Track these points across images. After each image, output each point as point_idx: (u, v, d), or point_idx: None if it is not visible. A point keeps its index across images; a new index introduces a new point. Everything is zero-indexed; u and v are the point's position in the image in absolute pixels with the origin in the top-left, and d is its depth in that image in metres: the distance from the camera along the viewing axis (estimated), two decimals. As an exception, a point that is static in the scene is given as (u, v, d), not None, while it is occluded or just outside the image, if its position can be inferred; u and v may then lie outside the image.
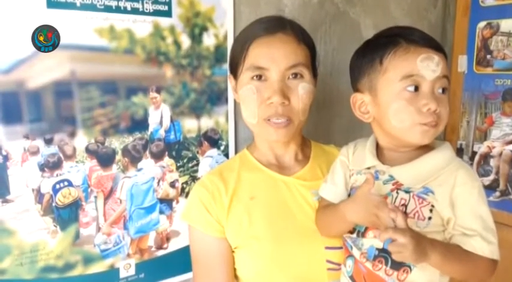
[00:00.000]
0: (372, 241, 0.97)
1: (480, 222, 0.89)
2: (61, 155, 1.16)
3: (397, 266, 0.94)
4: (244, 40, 1.11)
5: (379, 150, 1.06)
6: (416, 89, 0.93)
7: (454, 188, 0.92)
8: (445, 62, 0.95)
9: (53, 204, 1.16)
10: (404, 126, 0.95)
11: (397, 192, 0.96)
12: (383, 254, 0.95)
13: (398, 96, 0.94)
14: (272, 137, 1.10)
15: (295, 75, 1.08)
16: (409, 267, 0.93)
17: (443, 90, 0.95)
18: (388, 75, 0.95)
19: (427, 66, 0.92)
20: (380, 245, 0.94)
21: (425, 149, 0.98)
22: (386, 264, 0.95)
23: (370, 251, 0.97)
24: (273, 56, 1.06)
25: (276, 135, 1.08)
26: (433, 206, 0.92)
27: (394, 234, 0.81)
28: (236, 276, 1.15)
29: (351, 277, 1.02)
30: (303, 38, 1.11)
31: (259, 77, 1.08)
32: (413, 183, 0.95)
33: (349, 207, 0.96)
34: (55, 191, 1.16)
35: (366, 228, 0.99)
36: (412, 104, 0.92)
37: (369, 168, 1.04)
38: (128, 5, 1.19)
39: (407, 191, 0.95)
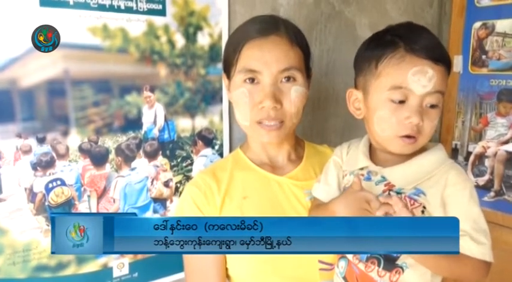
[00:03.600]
0: None
1: (470, 223, 0.89)
2: (54, 154, 1.15)
3: (390, 267, 0.94)
4: (237, 41, 1.10)
5: (372, 151, 1.06)
6: (404, 101, 0.92)
7: (445, 188, 0.92)
8: (441, 76, 0.92)
9: (46, 204, 1.16)
10: (384, 136, 0.96)
11: (389, 194, 0.96)
12: (375, 255, 0.95)
13: (384, 104, 0.94)
14: (264, 138, 1.10)
15: (288, 78, 1.07)
16: (402, 268, 0.93)
17: (433, 105, 0.93)
18: (380, 80, 0.95)
19: (418, 81, 0.90)
20: None
21: (418, 150, 0.98)
22: (378, 266, 0.95)
23: None
24: (265, 59, 1.05)
25: (267, 137, 1.08)
26: (424, 207, 0.92)
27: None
28: (228, 276, 1.15)
29: (344, 278, 1.02)
30: (296, 40, 1.10)
31: (252, 80, 1.07)
32: (405, 184, 0.95)
33: (339, 205, 0.96)
34: (48, 190, 1.16)
35: None
36: (395, 115, 0.93)
37: (361, 168, 1.04)
38: (122, 4, 1.19)
39: (399, 192, 0.95)
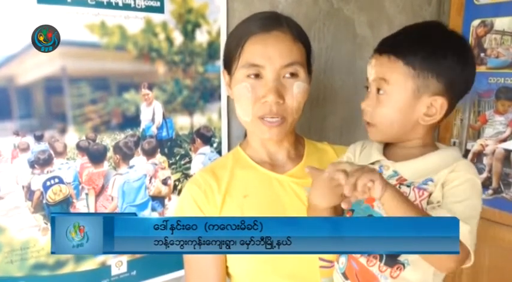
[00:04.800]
0: None
1: (460, 208, 0.88)
2: (52, 152, 1.15)
3: (391, 262, 0.94)
4: (239, 36, 1.10)
5: (386, 148, 1.06)
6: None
7: (451, 172, 0.93)
8: (386, 63, 0.96)
9: (44, 202, 1.15)
10: None
11: (399, 187, 0.96)
12: None
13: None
14: (265, 135, 1.09)
15: (291, 74, 1.07)
16: (403, 264, 0.93)
17: (378, 90, 0.98)
18: None
19: (369, 71, 1.01)
20: None
21: (431, 148, 1.00)
22: (380, 260, 0.95)
23: None
24: (269, 54, 1.05)
25: (269, 133, 1.08)
26: (431, 194, 0.92)
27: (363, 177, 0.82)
28: (228, 274, 1.15)
29: (343, 274, 1.02)
30: (299, 36, 1.10)
31: (255, 75, 1.07)
32: (416, 177, 0.96)
33: (313, 194, 0.96)
34: (45, 188, 1.15)
35: None
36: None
37: (373, 163, 1.04)
38: (120, 1, 1.18)
39: (408, 185, 0.95)
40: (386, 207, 0.86)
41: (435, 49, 0.95)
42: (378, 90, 0.98)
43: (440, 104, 0.95)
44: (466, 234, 0.84)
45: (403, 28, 1.02)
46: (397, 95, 0.96)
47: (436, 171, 0.94)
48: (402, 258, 0.94)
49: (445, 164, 0.95)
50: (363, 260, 0.98)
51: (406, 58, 0.95)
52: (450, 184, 0.92)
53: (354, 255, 1.00)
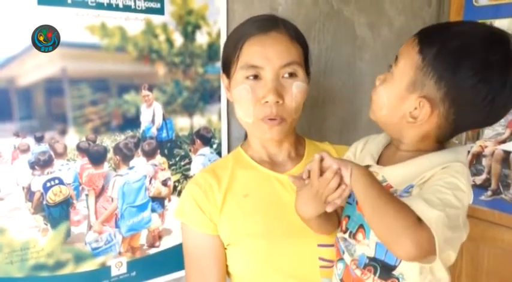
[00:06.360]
0: (364, 249, 0.94)
1: (431, 197, 0.80)
2: (52, 153, 1.15)
3: (386, 276, 0.91)
4: (237, 39, 1.10)
5: (385, 150, 1.03)
6: None
7: (433, 175, 0.87)
8: (410, 44, 0.90)
9: (44, 203, 1.15)
10: None
11: None
12: (373, 263, 0.92)
13: None
14: (266, 135, 1.10)
15: (290, 74, 1.08)
16: (397, 279, 0.91)
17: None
18: None
19: None
20: (371, 254, 0.92)
21: (432, 148, 0.94)
22: (375, 274, 0.92)
23: (361, 259, 0.94)
24: (267, 54, 1.06)
25: (269, 133, 1.09)
26: None
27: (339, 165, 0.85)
28: (228, 273, 1.16)
29: (341, 280, 1.01)
30: (296, 36, 1.11)
31: (255, 77, 1.07)
32: (400, 184, 0.91)
33: (297, 205, 0.97)
34: (46, 189, 1.15)
35: (358, 229, 0.97)
36: None
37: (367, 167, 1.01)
38: (120, 2, 1.19)
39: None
40: (356, 190, 0.84)
41: (456, 51, 0.84)
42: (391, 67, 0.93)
43: (424, 110, 0.87)
44: (432, 217, 0.76)
45: (459, 21, 0.94)
46: (397, 80, 0.91)
47: (420, 175, 0.89)
48: (397, 272, 0.90)
49: (429, 168, 0.89)
50: (357, 271, 0.96)
51: (424, 46, 0.87)
52: (427, 183, 0.86)
53: (350, 265, 0.98)
